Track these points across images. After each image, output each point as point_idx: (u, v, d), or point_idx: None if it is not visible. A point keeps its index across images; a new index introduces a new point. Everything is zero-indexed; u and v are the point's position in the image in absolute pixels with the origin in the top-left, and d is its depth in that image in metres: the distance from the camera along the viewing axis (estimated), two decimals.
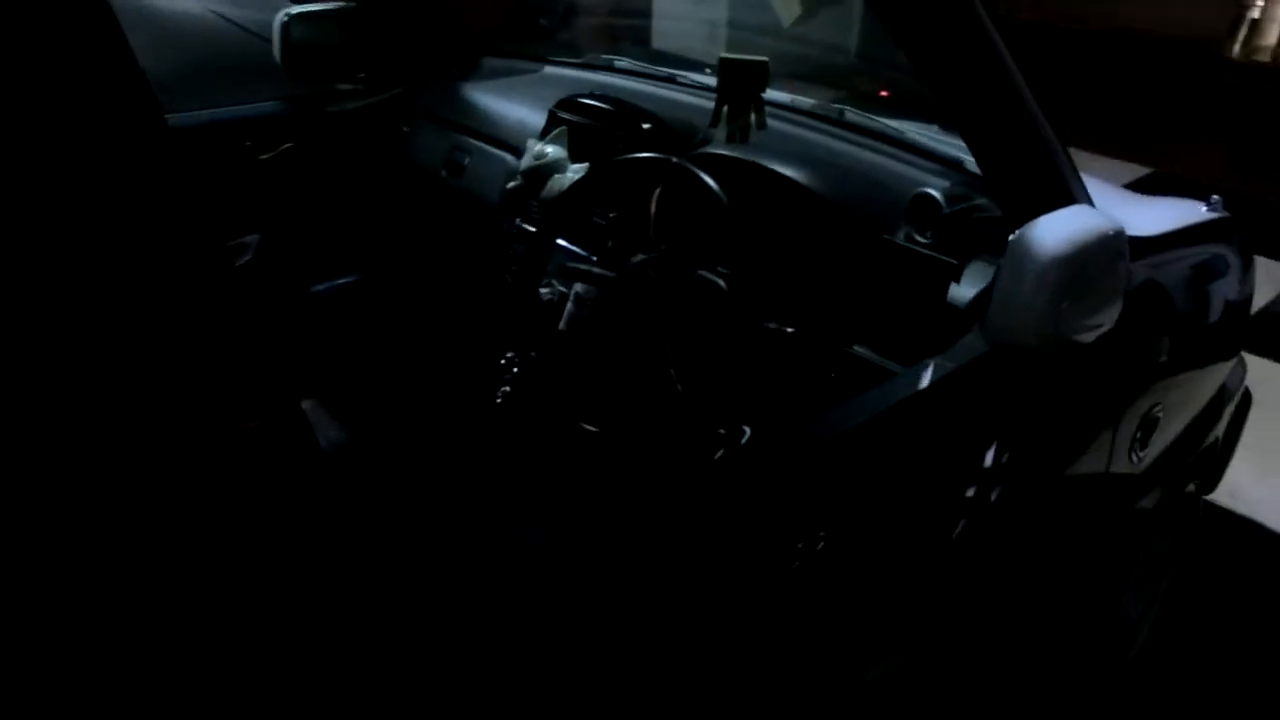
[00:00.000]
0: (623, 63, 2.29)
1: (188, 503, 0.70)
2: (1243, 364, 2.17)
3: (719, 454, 1.57)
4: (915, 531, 1.28)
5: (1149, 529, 1.94)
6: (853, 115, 1.88)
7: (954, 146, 1.69)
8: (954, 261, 1.39)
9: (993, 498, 1.37)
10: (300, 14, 2.20)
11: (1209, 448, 2.05)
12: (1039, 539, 1.55)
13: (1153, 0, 9.09)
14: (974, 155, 1.25)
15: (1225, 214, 1.91)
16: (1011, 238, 1.16)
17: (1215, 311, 1.83)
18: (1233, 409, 2.13)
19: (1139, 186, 5.33)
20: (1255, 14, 9.24)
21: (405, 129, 2.35)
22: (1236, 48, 9.22)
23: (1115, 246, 1.20)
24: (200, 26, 2.59)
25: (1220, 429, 2.08)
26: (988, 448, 1.33)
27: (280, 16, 2.18)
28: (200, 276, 0.69)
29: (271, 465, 0.74)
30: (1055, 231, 1.14)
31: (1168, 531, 2.11)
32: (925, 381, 1.22)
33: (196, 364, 0.69)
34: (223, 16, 2.64)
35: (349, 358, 2.33)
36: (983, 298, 1.39)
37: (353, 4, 2.27)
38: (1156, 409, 1.66)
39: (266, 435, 0.75)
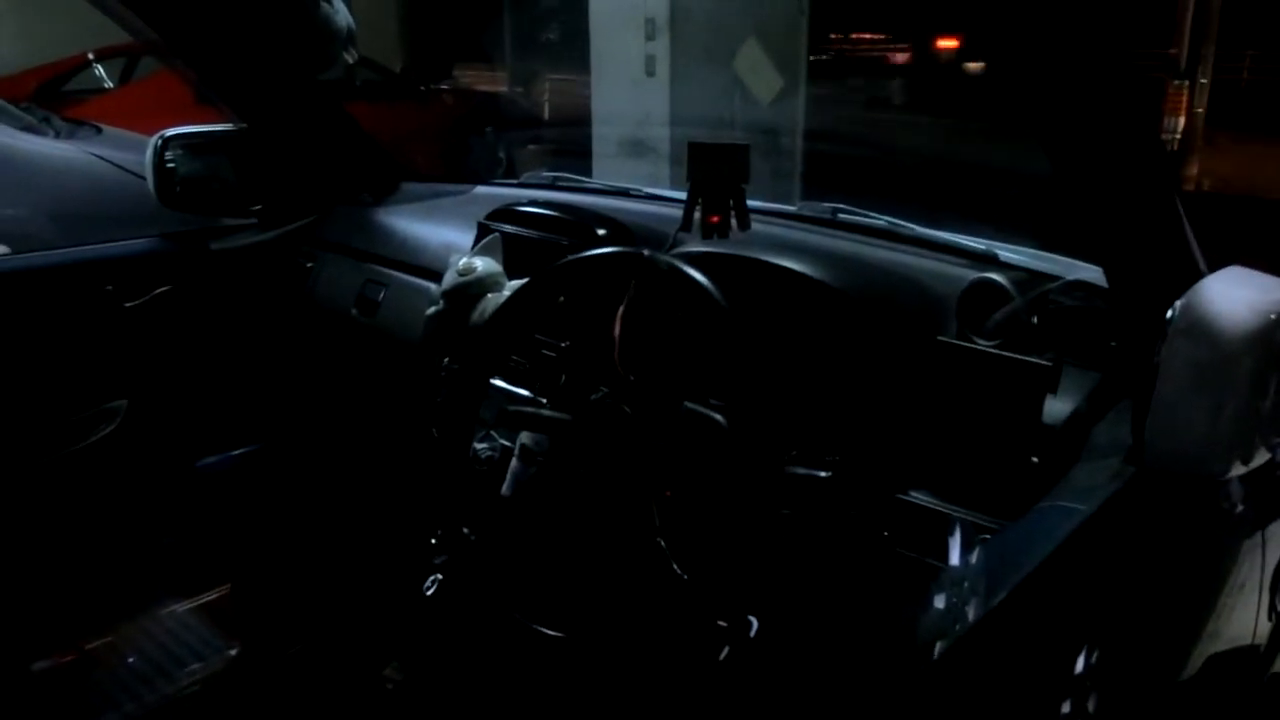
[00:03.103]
0: (567, 179, 1.98)
1: None
2: None
3: (723, 654, 1.13)
4: None
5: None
6: (848, 215, 1.57)
7: (978, 240, 1.40)
8: (1047, 364, 1.00)
9: (1118, 696, 0.95)
10: (178, 135, 1.85)
11: None
12: None
13: None
14: (1078, 221, 0.90)
15: None
16: (1174, 314, 0.78)
17: None
18: None
19: None
20: (1173, 146, 9.55)
21: (309, 265, 1.97)
22: None
23: None
24: (73, 169, 2.24)
25: None
26: (1127, 624, 0.92)
27: (154, 139, 1.83)
28: None
29: None
30: (1234, 300, 0.77)
31: None
32: (1052, 538, 0.81)
33: None
34: (104, 159, 2.29)
35: (246, 546, 1.96)
36: (1085, 414, 1.01)
37: (243, 126, 1.93)
38: None
39: None
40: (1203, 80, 8.89)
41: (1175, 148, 8.68)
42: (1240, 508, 1.05)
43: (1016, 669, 0.82)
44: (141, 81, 6.12)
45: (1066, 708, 0.90)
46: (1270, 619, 1.26)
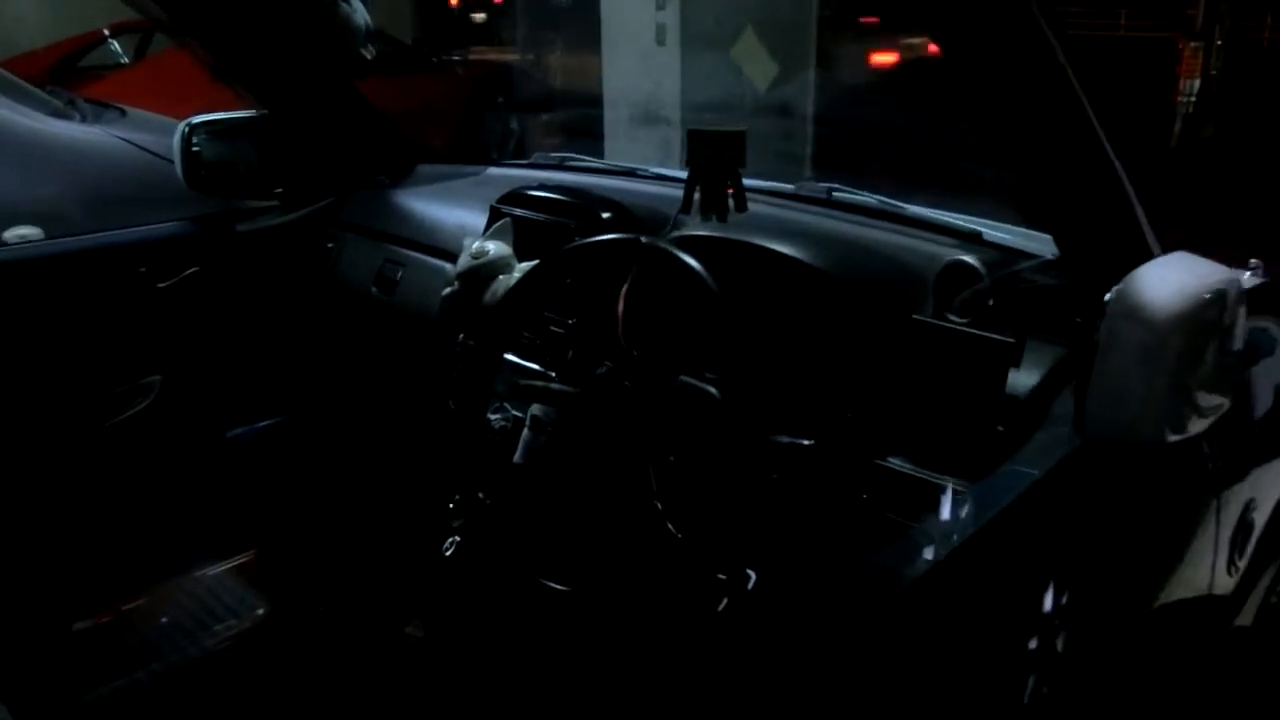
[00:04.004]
0: (575, 160, 2.05)
1: None
2: None
3: (722, 605, 1.23)
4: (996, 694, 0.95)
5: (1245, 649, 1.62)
6: (842, 194, 1.63)
7: (966, 219, 1.46)
8: (1011, 340, 1.09)
9: (1084, 637, 1.04)
10: (204, 122, 1.93)
11: None
12: (1133, 685, 1.23)
13: None
14: (1029, 201, 0.98)
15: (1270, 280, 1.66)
16: (1111, 296, 0.87)
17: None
18: None
19: None
20: (1189, 110, 9.42)
21: (329, 245, 2.06)
22: (1173, 142, 9.34)
23: (1236, 301, 0.91)
24: (100, 153, 2.32)
25: None
26: (1087, 574, 1.01)
27: (181, 125, 1.91)
28: None
29: None
30: (1167, 283, 0.86)
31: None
32: (1007, 498, 0.91)
33: None
34: (130, 142, 2.37)
35: (273, 512, 2.05)
36: (1047, 386, 1.10)
37: (265, 112, 2.01)
38: (1252, 510, 1.36)
39: None
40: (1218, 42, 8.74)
41: (1191, 111, 8.55)
42: (1192, 469, 1.14)
43: (981, 604, 0.92)
44: (156, 57, 6.18)
45: (1034, 644, 1.00)
46: (1230, 574, 1.35)
